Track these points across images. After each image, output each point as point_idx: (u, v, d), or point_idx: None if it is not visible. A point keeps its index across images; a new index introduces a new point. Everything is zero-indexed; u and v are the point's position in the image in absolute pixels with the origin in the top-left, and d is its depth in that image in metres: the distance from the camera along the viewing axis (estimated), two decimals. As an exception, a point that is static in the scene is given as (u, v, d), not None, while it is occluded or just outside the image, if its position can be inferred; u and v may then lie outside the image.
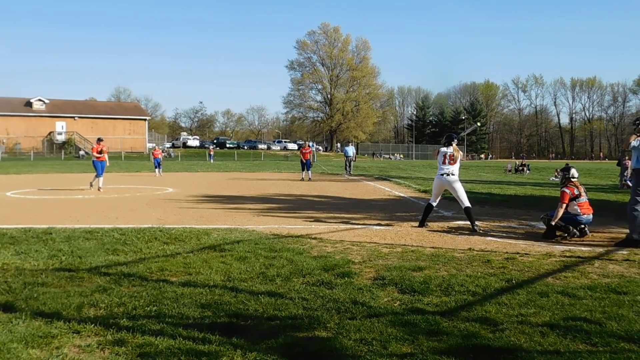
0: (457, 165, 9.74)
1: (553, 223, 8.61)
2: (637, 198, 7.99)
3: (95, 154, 18.68)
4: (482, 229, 9.43)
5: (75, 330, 4.03)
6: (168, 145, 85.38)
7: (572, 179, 8.91)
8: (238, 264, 6.36)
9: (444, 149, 9.83)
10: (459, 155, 9.74)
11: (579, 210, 8.62)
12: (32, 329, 4.02)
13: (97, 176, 18.13)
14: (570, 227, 8.55)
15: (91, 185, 18.23)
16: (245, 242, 7.78)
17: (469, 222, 9.52)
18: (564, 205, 8.63)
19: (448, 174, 9.66)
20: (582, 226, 8.61)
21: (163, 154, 28.48)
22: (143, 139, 75.05)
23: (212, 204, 13.85)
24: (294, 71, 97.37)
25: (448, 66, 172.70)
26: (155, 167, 28.44)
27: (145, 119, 78.19)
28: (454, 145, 9.75)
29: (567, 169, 9.12)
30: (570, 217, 8.62)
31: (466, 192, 9.88)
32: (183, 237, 8.14)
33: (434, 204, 10.00)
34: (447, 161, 9.70)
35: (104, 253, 6.93)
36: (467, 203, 9.60)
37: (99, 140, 19.40)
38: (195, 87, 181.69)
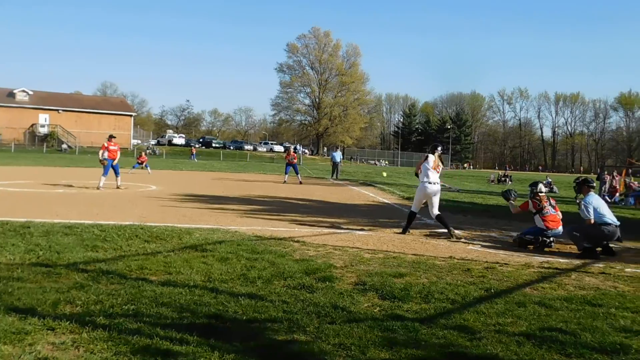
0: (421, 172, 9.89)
1: (512, 198, 9.88)
2: (583, 230, 8.38)
3: (102, 152, 17.15)
4: (462, 237, 9.50)
5: (50, 327, 3.98)
6: (153, 142, 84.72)
7: (540, 194, 9.28)
8: (219, 264, 6.33)
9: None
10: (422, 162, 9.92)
11: (542, 224, 8.93)
12: (5, 325, 3.95)
13: (103, 175, 16.87)
14: (540, 238, 8.88)
15: (99, 188, 16.65)
16: (227, 242, 7.75)
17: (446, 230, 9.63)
18: (519, 210, 9.61)
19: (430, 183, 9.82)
20: (546, 240, 8.90)
21: (145, 164, 28.27)
22: (128, 135, 74.39)
23: (196, 204, 13.77)
24: (283, 74, 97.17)
25: (436, 76, 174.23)
26: (133, 167, 28.10)
27: (131, 115, 77.58)
28: (436, 153, 9.90)
29: (535, 184, 9.56)
30: (538, 229, 8.97)
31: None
32: (164, 236, 8.08)
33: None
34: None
35: (82, 249, 6.86)
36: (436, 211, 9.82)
37: (111, 137, 17.89)
38: (183, 85, 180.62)
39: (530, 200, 9.34)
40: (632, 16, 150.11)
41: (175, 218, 10.52)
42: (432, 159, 9.84)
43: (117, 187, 17.15)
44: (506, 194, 10.09)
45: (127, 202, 13.42)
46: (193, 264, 6.25)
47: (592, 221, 8.39)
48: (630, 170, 30.85)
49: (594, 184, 9.24)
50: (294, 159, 25.83)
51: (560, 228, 8.98)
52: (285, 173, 25.68)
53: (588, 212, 8.45)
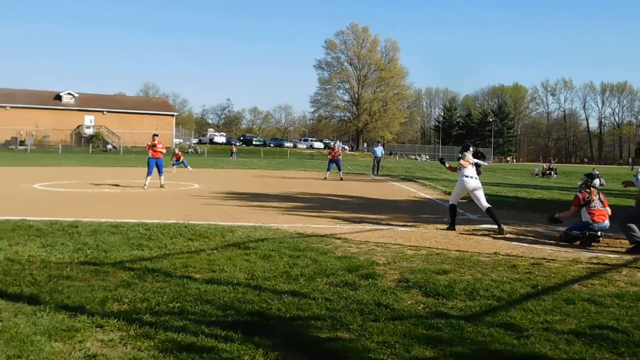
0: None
1: (557, 215, 9.28)
2: (632, 213, 8.08)
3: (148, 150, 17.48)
4: (507, 232, 9.31)
5: (98, 325, 4.07)
6: (195, 141, 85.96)
7: (594, 187, 8.95)
8: (262, 262, 6.37)
9: None
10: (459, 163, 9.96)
11: (588, 217, 8.64)
12: (55, 322, 4.06)
13: (148, 175, 17.22)
14: (587, 232, 8.55)
15: (144, 186, 16.99)
16: (269, 240, 7.79)
17: (495, 226, 9.45)
18: (574, 210, 8.96)
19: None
20: (594, 232, 8.58)
21: (182, 159, 28.75)
22: (170, 135, 75.62)
23: (237, 201, 13.91)
24: (322, 70, 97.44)
25: (476, 68, 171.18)
26: (173, 165, 28.46)
27: (172, 115, 78.91)
28: (466, 154, 9.96)
29: (591, 176, 9.14)
30: (584, 224, 8.64)
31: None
32: (208, 234, 8.18)
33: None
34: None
35: (128, 248, 7.00)
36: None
37: (155, 135, 18.12)
38: (223, 84, 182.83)
39: (579, 193, 9.01)
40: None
41: (218, 216, 10.64)
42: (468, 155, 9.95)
43: (161, 186, 17.46)
44: (553, 220, 9.50)
45: (170, 201, 13.67)
46: (236, 262, 6.31)
47: None
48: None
49: None
50: (339, 155, 25.81)
51: (607, 222, 8.67)
52: (328, 170, 25.66)
53: None
